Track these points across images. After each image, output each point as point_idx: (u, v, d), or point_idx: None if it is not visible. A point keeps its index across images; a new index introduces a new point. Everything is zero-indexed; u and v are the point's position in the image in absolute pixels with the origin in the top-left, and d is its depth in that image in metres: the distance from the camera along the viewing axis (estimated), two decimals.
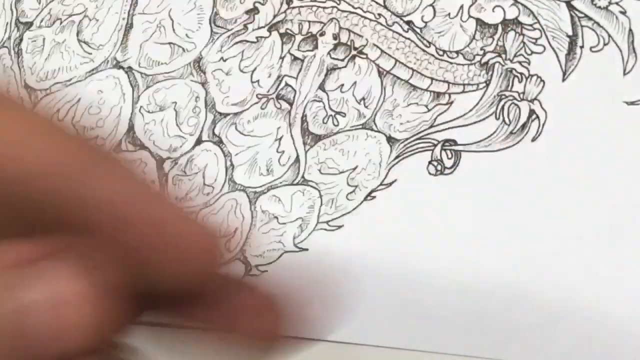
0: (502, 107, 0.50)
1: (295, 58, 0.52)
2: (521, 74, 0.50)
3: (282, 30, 0.52)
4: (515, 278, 0.50)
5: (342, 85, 0.52)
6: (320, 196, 0.52)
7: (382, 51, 0.51)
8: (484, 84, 0.50)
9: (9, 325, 0.19)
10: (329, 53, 0.52)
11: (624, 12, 0.49)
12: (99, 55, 0.54)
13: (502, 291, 0.50)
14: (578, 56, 0.50)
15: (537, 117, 0.50)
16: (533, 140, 0.50)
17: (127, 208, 0.21)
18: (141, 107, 0.54)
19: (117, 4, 0.54)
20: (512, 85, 0.50)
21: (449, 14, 0.51)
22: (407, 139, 0.51)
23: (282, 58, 0.52)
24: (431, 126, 0.51)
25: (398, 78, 0.51)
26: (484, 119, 0.50)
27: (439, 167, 0.51)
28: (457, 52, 0.51)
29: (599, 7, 0.50)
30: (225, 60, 0.53)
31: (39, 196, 0.20)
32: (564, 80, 0.50)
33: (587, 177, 0.49)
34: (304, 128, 0.52)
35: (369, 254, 0.51)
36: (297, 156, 0.52)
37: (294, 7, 0.52)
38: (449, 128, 0.51)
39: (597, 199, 0.49)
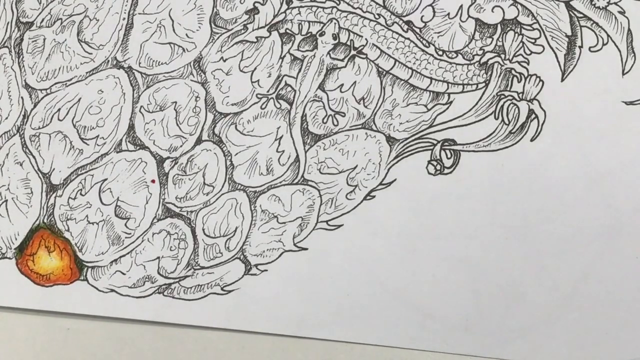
0: (502, 107, 0.50)
1: (295, 58, 0.52)
2: (520, 73, 0.50)
3: (282, 30, 0.53)
4: (515, 278, 0.50)
5: (342, 85, 0.52)
6: (320, 195, 0.52)
7: (382, 51, 0.51)
8: (483, 84, 0.51)
9: None
10: (328, 53, 0.52)
11: (622, 13, 0.50)
12: (99, 55, 0.54)
13: (502, 291, 0.50)
14: (577, 56, 0.50)
15: (536, 116, 0.50)
16: (532, 139, 0.50)
17: None
18: (141, 106, 0.54)
19: (117, 4, 0.54)
20: (512, 85, 0.50)
21: (449, 14, 0.51)
22: (406, 138, 0.51)
23: (282, 58, 0.52)
24: (430, 126, 0.51)
25: (397, 78, 0.51)
26: (483, 118, 0.51)
27: (438, 167, 0.51)
28: (457, 52, 0.51)
29: (598, 8, 0.50)
30: (225, 60, 0.53)
31: None
32: (563, 80, 0.50)
33: (586, 176, 0.49)
34: (303, 128, 0.52)
35: (368, 253, 0.51)
36: (297, 156, 0.52)
37: (293, 7, 0.52)
38: (448, 128, 0.51)
39: (596, 199, 0.49)
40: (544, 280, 0.50)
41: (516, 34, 0.50)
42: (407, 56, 0.51)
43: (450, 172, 0.51)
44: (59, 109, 0.55)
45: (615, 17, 0.50)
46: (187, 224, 0.53)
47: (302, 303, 0.52)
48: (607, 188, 0.49)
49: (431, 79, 0.51)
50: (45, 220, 0.55)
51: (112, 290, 0.54)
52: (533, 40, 0.50)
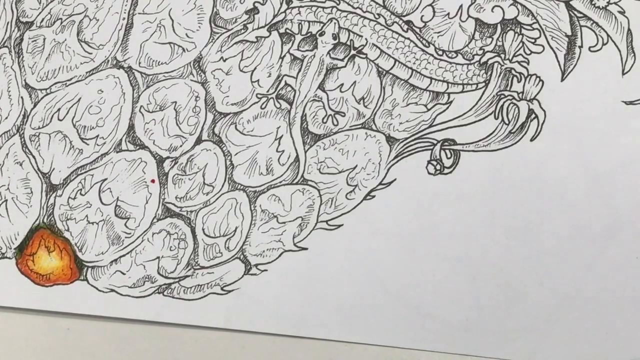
0: (501, 107, 0.50)
1: (295, 58, 0.52)
2: (520, 73, 0.50)
3: (282, 30, 0.53)
4: (515, 278, 0.50)
5: (342, 84, 0.52)
6: (320, 195, 0.52)
7: (382, 51, 0.51)
8: (483, 84, 0.51)
9: None
10: (328, 53, 0.52)
11: (622, 12, 0.50)
12: (99, 54, 0.54)
13: (502, 291, 0.50)
14: (577, 56, 0.50)
15: (536, 116, 0.50)
16: (532, 139, 0.50)
17: None
18: (141, 106, 0.54)
19: (117, 3, 0.54)
20: (511, 84, 0.50)
21: (448, 14, 0.51)
22: (406, 138, 0.51)
23: (281, 58, 0.52)
24: (430, 126, 0.51)
25: (397, 78, 0.51)
26: (483, 118, 0.51)
27: (438, 167, 0.51)
28: (457, 52, 0.51)
29: (598, 7, 0.50)
30: (225, 60, 0.53)
31: None
32: (562, 79, 0.50)
33: (586, 176, 0.49)
34: (303, 127, 0.52)
35: (368, 253, 0.51)
36: (297, 155, 0.52)
37: (293, 7, 0.52)
38: (448, 127, 0.51)
39: (596, 199, 0.49)
40: (544, 280, 0.50)
41: (516, 34, 0.50)
42: (407, 56, 0.51)
43: (450, 172, 0.51)
44: (58, 109, 0.55)
45: (615, 17, 0.50)
46: (187, 223, 0.53)
47: (302, 303, 0.52)
48: (607, 188, 0.49)
49: (431, 78, 0.51)
50: (45, 220, 0.55)
51: (112, 290, 0.54)
52: (533, 40, 0.50)
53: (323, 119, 0.52)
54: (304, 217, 0.52)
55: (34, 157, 0.55)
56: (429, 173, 0.51)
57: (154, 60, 0.54)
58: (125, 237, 0.54)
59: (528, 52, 0.50)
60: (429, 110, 0.51)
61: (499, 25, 0.51)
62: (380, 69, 0.51)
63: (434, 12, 0.51)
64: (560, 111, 0.50)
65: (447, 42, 0.51)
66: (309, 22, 0.52)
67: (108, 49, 0.54)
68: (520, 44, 0.50)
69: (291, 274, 0.52)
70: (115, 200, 0.54)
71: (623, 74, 0.49)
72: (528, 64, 0.50)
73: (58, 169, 0.54)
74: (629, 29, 0.49)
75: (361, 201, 0.52)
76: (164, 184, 0.53)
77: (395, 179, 0.51)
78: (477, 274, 0.50)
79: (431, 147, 0.51)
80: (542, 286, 0.50)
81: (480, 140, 0.50)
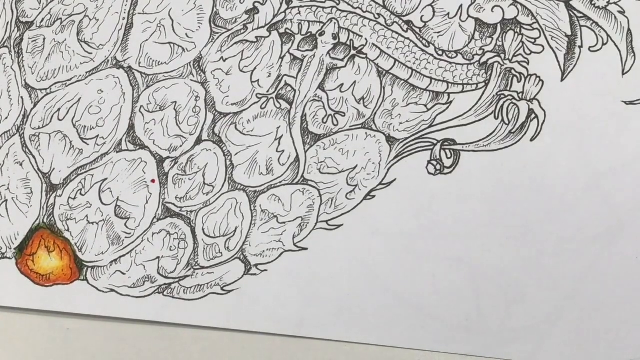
0: (501, 107, 0.50)
1: (295, 58, 0.52)
2: (520, 73, 0.50)
3: (281, 30, 0.53)
4: (515, 278, 0.50)
5: (342, 84, 0.52)
6: (320, 195, 0.52)
7: (382, 51, 0.51)
8: (483, 84, 0.51)
9: None
10: (328, 53, 0.52)
11: (622, 12, 0.50)
12: (99, 54, 0.54)
13: (502, 291, 0.50)
14: (577, 56, 0.50)
15: (536, 116, 0.50)
16: (532, 139, 0.50)
17: None
18: (141, 106, 0.54)
19: (117, 3, 0.54)
20: (511, 84, 0.50)
21: (448, 14, 0.51)
22: (406, 138, 0.51)
23: (281, 58, 0.52)
24: (430, 126, 0.51)
25: (397, 78, 0.51)
26: (483, 118, 0.51)
27: (438, 167, 0.51)
28: (456, 52, 0.51)
29: (598, 7, 0.50)
30: (225, 60, 0.53)
31: None
32: (562, 79, 0.50)
33: (586, 176, 0.49)
34: (303, 127, 0.52)
35: (368, 253, 0.51)
36: (297, 155, 0.52)
37: (293, 7, 0.52)
38: (448, 127, 0.51)
39: (596, 199, 0.49)
40: (544, 280, 0.50)
41: (516, 34, 0.50)
42: (407, 56, 0.51)
43: (450, 172, 0.51)
44: (58, 109, 0.55)
45: (615, 17, 0.50)
46: (187, 223, 0.53)
47: (302, 303, 0.52)
48: (607, 188, 0.49)
49: (431, 78, 0.51)
50: (45, 220, 0.55)
51: (112, 290, 0.54)
52: (533, 40, 0.50)
53: (323, 119, 0.52)
54: (304, 217, 0.52)
55: (34, 157, 0.55)
56: (429, 173, 0.51)
57: (154, 60, 0.54)
58: (125, 237, 0.54)
59: (528, 52, 0.50)
60: (429, 110, 0.51)
61: (498, 25, 0.51)
62: (380, 69, 0.51)
63: (433, 12, 0.51)
64: (560, 111, 0.50)
65: (447, 42, 0.51)
66: (309, 22, 0.52)
67: (108, 49, 0.54)
68: (520, 44, 0.50)
69: (291, 274, 0.52)
70: (115, 200, 0.54)
71: (623, 74, 0.49)
72: (528, 64, 0.50)
73: (58, 169, 0.54)
74: (629, 29, 0.49)
75: (361, 201, 0.52)
76: (164, 184, 0.53)
77: (395, 179, 0.51)
78: (477, 274, 0.50)
79: (431, 147, 0.51)
80: (542, 286, 0.50)
81: (480, 140, 0.50)
